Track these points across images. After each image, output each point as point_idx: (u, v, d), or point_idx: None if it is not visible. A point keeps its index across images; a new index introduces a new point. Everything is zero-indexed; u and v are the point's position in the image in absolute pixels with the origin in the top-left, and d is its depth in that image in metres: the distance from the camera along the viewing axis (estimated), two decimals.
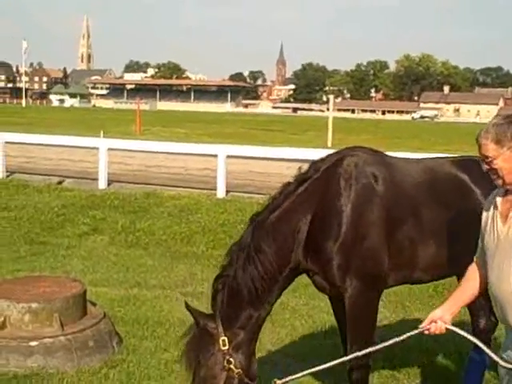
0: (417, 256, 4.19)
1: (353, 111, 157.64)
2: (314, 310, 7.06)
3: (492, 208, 3.21)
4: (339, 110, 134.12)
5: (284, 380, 3.80)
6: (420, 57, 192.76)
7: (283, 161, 14.46)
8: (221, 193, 14.06)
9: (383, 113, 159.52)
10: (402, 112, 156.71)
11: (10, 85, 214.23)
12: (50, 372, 5.15)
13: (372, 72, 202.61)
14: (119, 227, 10.98)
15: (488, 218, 3.23)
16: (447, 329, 3.26)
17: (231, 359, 3.92)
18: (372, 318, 4.16)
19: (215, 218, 11.41)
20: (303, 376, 3.96)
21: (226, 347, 3.93)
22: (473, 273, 3.36)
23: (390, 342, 3.45)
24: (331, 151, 4.55)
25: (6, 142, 16.99)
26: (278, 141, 34.31)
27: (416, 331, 3.35)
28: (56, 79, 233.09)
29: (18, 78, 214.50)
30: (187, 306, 4.00)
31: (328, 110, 52.60)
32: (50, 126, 41.15)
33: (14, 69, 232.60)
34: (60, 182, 15.83)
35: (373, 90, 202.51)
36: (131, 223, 11.21)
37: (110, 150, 15.88)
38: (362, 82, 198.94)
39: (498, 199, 3.18)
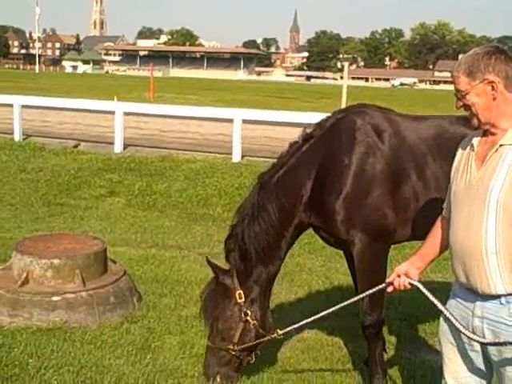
0: (423, 211, 4.17)
1: (366, 79, 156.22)
2: (330, 271, 7.12)
3: (468, 149, 2.90)
4: (353, 78, 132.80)
5: (285, 330, 4.06)
6: (436, 25, 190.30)
7: (298, 126, 14.42)
8: (236, 157, 14.06)
9: None
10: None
11: (23, 51, 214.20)
12: (73, 326, 5.24)
13: (387, 40, 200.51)
14: (136, 190, 11.07)
15: (461, 160, 2.91)
16: (411, 284, 3.10)
17: (248, 311, 4.16)
18: (381, 271, 4.15)
19: (231, 182, 11.46)
20: (305, 324, 4.10)
21: (242, 300, 4.15)
22: (440, 227, 3.13)
23: (362, 295, 3.55)
24: None
25: (23, 106, 17.01)
26: (291, 108, 34.01)
27: (381, 286, 3.29)
28: (69, 45, 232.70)
29: (31, 44, 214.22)
30: (208, 261, 4.21)
31: (342, 78, 52.05)
32: (64, 91, 41.08)
33: (28, 35, 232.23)
34: (76, 146, 15.88)
35: (387, 59, 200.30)
36: (147, 186, 11.28)
37: (125, 114, 15.89)
38: (376, 50, 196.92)
39: (475, 140, 2.87)
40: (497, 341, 2.71)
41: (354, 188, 4.07)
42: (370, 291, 3.42)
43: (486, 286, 2.72)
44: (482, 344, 2.78)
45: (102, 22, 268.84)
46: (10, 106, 17.14)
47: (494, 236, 2.67)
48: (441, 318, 3.06)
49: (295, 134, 4.46)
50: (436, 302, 2.98)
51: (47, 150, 14.94)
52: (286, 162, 4.24)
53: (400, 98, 60.43)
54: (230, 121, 14.80)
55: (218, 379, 4.20)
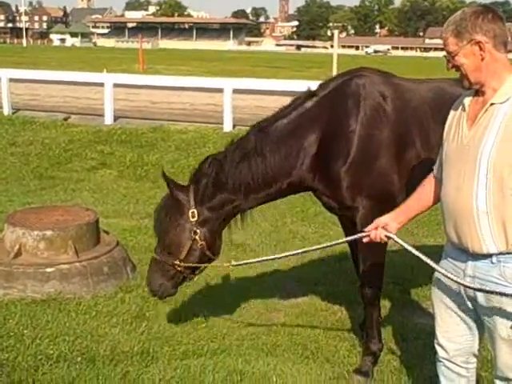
0: (426, 176, 4.16)
1: (357, 48, 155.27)
2: (323, 238, 7.13)
3: (459, 110, 2.89)
4: (343, 46, 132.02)
5: (238, 263, 4.13)
6: None
7: (289, 95, 14.36)
8: (227, 126, 14.01)
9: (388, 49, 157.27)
10: (406, 48, 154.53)
11: (9, 25, 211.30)
12: (67, 297, 5.25)
13: (377, 8, 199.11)
14: (127, 161, 11.03)
15: (453, 121, 2.92)
16: (388, 237, 3.10)
17: (197, 231, 4.13)
18: None
19: None
20: (259, 262, 4.40)
21: (195, 219, 4.11)
22: (428, 184, 3.14)
23: (333, 243, 3.70)
24: None
25: (11, 80, 16.84)
26: (282, 77, 33.93)
27: (357, 235, 3.31)
28: (56, 18, 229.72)
29: (17, 18, 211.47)
30: (163, 174, 4.18)
31: (332, 46, 51.77)
32: (52, 65, 40.71)
33: (14, 8, 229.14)
34: (66, 119, 15.77)
35: (377, 26, 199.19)
36: (139, 157, 11.24)
37: (115, 86, 15.77)
38: (366, 18, 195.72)
39: (467, 100, 2.85)
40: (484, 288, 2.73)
41: (361, 153, 3.99)
42: (344, 240, 3.67)
43: (478, 246, 2.73)
44: (471, 288, 2.78)
45: None
46: None
47: (484, 195, 2.67)
48: (433, 279, 3.08)
49: (287, 103, 4.39)
50: (417, 252, 2.99)
51: (37, 124, 14.82)
52: (288, 113, 4.14)
53: (393, 65, 60.15)
54: (221, 91, 14.71)
55: (161, 290, 4.29)
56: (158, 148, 12.15)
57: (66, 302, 5.18)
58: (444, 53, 2.82)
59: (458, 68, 2.78)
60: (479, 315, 2.87)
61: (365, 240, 3.20)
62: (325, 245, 3.95)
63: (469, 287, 2.79)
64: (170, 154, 11.60)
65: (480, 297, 2.79)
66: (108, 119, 15.13)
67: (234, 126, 14.05)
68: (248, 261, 4.27)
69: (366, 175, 4.02)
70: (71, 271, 5.44)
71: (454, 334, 3.02)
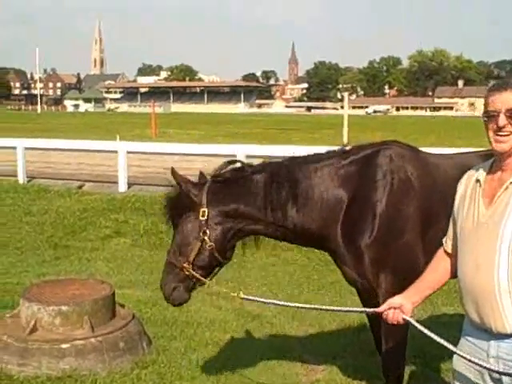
0: None
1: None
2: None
3: (472, 185, 2.81)
4: (353, 107, 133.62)
5: (247, 297, 3.96)
6: (433, 51, 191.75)
7: None
8: None
9: (397, 109, 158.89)
10: (416, 108, 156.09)
11: (24, 91, 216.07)
12: (83, 374, 5.17)
13: (385, 68, 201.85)
14: (141, 229, 11.03)
15: (465, 196, 2.83)
16: (404, 320, 2.99)
17: (207, 231, 3.99)
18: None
19: None
20: (266, 302, 4.50)
21: (205, 218, 3.98)
22: (439, 260, 3.07)
23: (346, 308, 4.04)
24: None
25: (26, 148, 17.09)
26: (294, 140, 34.33)
27: (371, 310, 3.27)
28: (70, 85, 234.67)
29: (32, 85, 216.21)
30: (172, 170, 4.10)
31: (342, 107, 52.38)
32: (67, 131, 41.36)
33: (29, 75, 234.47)
34: (80, 187, 15.90)
35: (386, 87, 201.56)
36: (153, 225, 11.23)
37: (128, 152, 15.94)
38: (375, 79, 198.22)
39: (481, 175, 2.79)
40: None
41: (386, 227, 3.95)
42: (359, 310, 3.74)
43: (501, 325, 2.66)
44: (496, 372, 2.69)
45: (102, 61, 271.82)
46: (14, 148, 17.22)
47: (506, 274, 2.62)
48: (453, 361, 3.00)
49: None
50: (434, 336, 2.89)
51: (52, 192, 14.95)
52: (323, 157, 4.15)
53: (401, 126, 60.68)
54: (234, 156, 14.82)
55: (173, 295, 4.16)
56: None
57: (82, 380, 5.11)
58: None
59: (503, 128, 2.66)
60: None
61: (383, 317, 3.10)
62: (338, 308, 4.04)
63: (494, 371, 2.70)
64: None
65: (505, 379, 2.70)
66: (122, 186, 15.24)
67: None
68: (256, 298, 4.26)
69: (390, 249, 3.96)
70: (87, 347, 5.37)
71: None
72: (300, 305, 3.95)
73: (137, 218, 11.87)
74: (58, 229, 11.24)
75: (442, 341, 2.86)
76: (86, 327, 5.46)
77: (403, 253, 3.97)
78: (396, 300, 3.05)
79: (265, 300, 4.35)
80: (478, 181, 2.81)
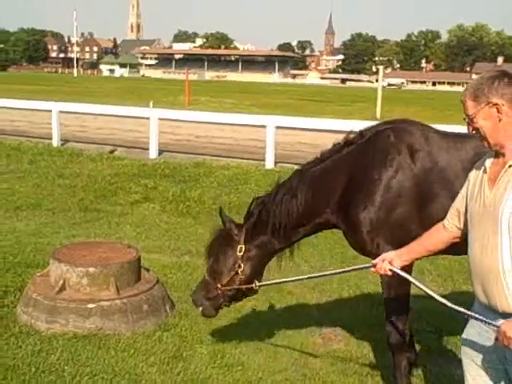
0: None
1: (402, 82, 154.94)
2: (361, 280, 7.13)
3: (481, 171, 2.96)
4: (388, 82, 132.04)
5: (262, 283, 4.70)
6: (473, 26, 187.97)
7: (332, 132, 14.50)
8: (269, 164, 14.15)
9: (434, 84, 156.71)
10: (453, 83, 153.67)
11: (61, 55, 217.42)
12: (107, 333, 5.36)
13: (423, 42, 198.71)
14: (170, 196, 11.20)
15: (476, 182, 2.98)
16: (392, 271, 3.29)
17: (242, 265, 4.65)
18: (405, 282, 4.19)
19: (264, 189, 11.45)
20: (281, 282, 5.12)
21: (241, 254, 4.65)
22: (435, 232, 3.29)
23: (340, 270, 4.37)
24: None
25: (60, 112, 17.34)
26: (326, 112, 34.12)
27: (365, 265, 3.57)
28: (106, 49, 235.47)
29: (69, 48, 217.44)
30: (220, 211, 4.81)
31: (377, 81, 51.85)
32: (101, 95, 41.70)
33: (66, 39, 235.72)
34: (112, 151, 16.15)
35: (423, 61, 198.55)
36: (182, 192, 11.41)
37: (160, 119, 16.10)
38: (412, 53, 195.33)
39: (488, 162, 2.93)
40: None
41: (381, 203, 4.20)
42: (354, 268, 3.91)
43: (506, 304, 2.77)
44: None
45: (138, 26, 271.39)
46: (49, 111, 17.49)
47: (509, 254, 2.73)
48: (461, 339, 3.10)
49: (328, 140, 4.66)
50: (427, 289, 3.20)
51: (84, 156, 15.22)
52: (325, 159, 4.52)
53: (438, 101, 59.86)
54: (264, 127, 14.89)
55: (201, 309, 4.79)
56: (201, 183, 12.33)
57: (106, 339, 5.28)
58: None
59: (477, 130, 2.88)
60: (509, 373, 2.87)
61: (372, 270, 3.41)
62: (340, 270, 4.42)
63: (495, 325, 2.78)
64: (212, 189, 11.76)
65: (509, 355, 2.80)
66: (153, 153, 15.44)
67: (275, 163, 14.17)
68: (270, 281, 4.86)
69: (384, 224, 4.21)
70: (112, 308, 5.55)
71: None
72: (305, 276, 4.85)
73: (166, 185, 12.04)
74: (88, 192, 11.46)
75: (437, 296, 3.17)
76: (111, 289, 5.64)
77: (397, 224, 4.20)
78: (388, 254, 3.38)
79: (278, 280, 4.84)
80: (484, 167, 2.94)
